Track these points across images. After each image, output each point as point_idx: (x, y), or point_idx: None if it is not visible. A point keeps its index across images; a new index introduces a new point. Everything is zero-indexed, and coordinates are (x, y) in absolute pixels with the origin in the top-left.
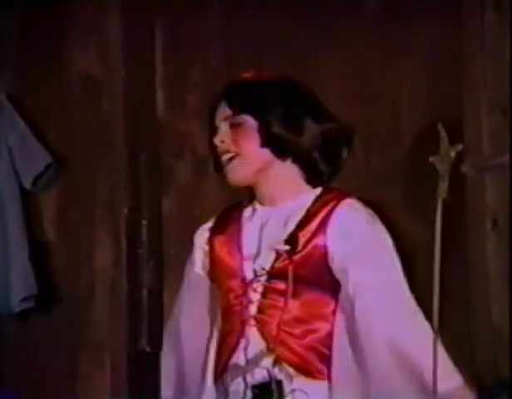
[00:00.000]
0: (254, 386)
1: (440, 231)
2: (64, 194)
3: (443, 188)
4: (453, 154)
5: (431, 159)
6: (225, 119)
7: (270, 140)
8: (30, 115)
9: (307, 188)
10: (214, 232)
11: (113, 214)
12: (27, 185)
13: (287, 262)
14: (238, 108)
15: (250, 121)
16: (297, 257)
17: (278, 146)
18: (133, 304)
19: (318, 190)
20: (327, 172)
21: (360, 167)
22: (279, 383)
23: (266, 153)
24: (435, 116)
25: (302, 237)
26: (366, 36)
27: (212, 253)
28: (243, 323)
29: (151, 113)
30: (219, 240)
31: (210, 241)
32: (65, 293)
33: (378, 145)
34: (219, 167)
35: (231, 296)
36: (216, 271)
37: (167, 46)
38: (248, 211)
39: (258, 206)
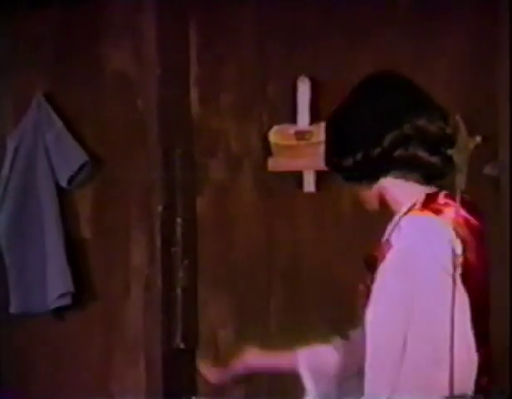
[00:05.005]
0: None
1: None
2: (99, 193)
3: (461, 180)
4: (471, 146)
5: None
6: None
7: None
8: (66, 113)
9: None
10: None
11: (148, 212)
12: (63, 183)
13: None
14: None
15: None
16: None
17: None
18: (167, 302)
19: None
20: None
21: None
22: None
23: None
24: (467, 115)
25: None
26: (399, 35)
27: None
28: None
29: (185, 111)
30: None
31: None
32: (100, 290)
33: None
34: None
35: None
36: None
37: (201, 45)
38: None
39: None
